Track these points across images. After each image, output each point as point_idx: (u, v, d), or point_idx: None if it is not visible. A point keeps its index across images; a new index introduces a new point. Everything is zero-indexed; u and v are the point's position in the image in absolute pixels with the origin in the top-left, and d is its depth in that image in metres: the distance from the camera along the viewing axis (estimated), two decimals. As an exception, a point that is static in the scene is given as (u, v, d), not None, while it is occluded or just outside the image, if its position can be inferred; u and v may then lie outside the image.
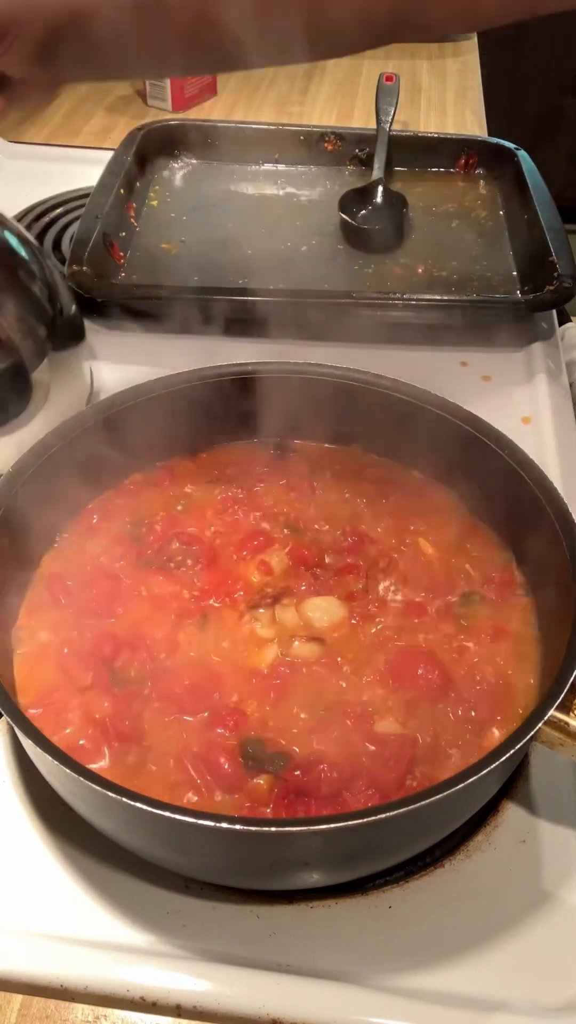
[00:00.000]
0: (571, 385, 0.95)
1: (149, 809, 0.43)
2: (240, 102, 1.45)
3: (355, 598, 0.62)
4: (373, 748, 0.54)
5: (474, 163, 1.17)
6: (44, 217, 1.12)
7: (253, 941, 0.52)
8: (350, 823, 0.43)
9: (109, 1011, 0.50)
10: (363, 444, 0.73)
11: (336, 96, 1.48)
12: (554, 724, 0.48)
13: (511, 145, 1.15)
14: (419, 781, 0.53)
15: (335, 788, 0.51)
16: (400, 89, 1.19)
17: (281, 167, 1.17)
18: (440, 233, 1.07)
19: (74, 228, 1.03)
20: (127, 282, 0.96)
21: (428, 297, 0.94)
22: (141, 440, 0.68)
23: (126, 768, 0.53)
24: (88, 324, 0.91)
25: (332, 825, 0.44)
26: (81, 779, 0.45)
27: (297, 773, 0.52)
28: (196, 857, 0.51)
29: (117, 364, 0.89)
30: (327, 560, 0.65)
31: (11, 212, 1.12)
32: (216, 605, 0.62)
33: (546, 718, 0.48)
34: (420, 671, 0.58)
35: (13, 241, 0.72)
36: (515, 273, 1.00)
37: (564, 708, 0.48)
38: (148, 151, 1.13)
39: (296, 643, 0.60)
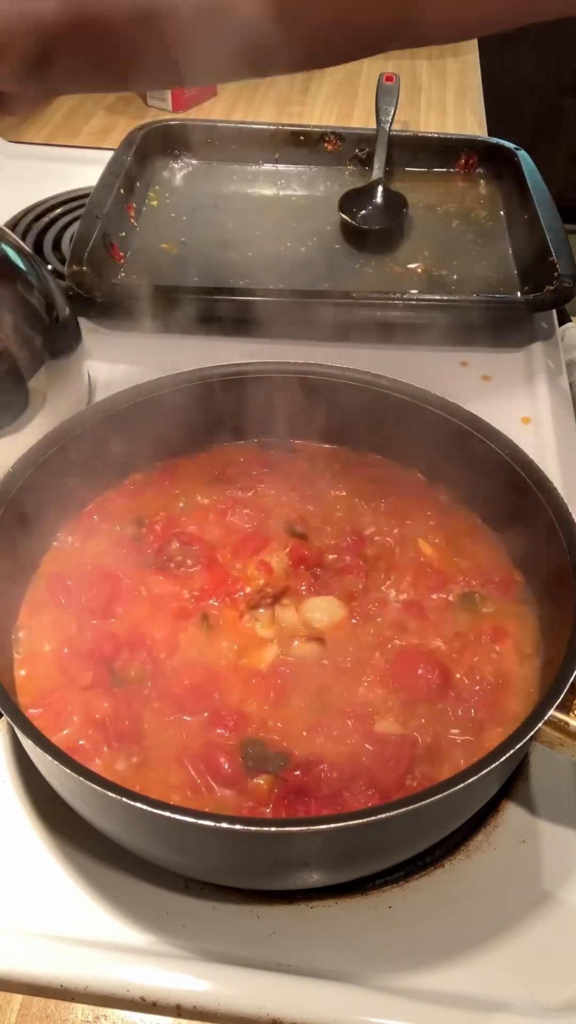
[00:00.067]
0: (571, 385, 0.95)
1: (149, 809, 0.44)
2: (240, 102, 1.45)
3: (355, 598, 0.62)
4: (373, 748, 0.54)
5: (474, 163, 1.16)
6: (44, 217, 1.11)
7: (253, 941, 0.52)
8: (350, 823, 0.43)
9: (109, 1011, 0.50)
10: (363, 444, 0.72)
11: (336, 96, 1.48)
12: (554, 724, 0.48)
13: (511, 145, 1.15)
14: (419, 781, 0.52)
15: (335, 788, 0.51)
16: (400, 89, 1.19)
17: (281, 167, 1.17)
18: (440, 233, 1.07)
19: (74, 228, 1.03)
20: (127, 282, 0.96)
21: (428, 297, 0.94)
22: (141, 440, 0.68)
23: (126, 768, 0.53)
24: (87, 324, 0.91)
25: (332, 825, 0.44)
26: (81, 779, 0.45)
27: (297, 773, 0.52)
28: (196, 857, 0.51)
29: (117, 364, 0.89)
30: (327, 560, 0.65)
31: (11, 212, 1.12)
32: (216, 605, 0.62)
33: (546, 718, 0.48)
34: (420, 671, 0.58)
35: (10, 252, 0.72)
36: (515, 273, 1.00)
37: (564, 708, 0.48)
38: (148, 151, 1.13)
39: (296, 643, 0.60)
